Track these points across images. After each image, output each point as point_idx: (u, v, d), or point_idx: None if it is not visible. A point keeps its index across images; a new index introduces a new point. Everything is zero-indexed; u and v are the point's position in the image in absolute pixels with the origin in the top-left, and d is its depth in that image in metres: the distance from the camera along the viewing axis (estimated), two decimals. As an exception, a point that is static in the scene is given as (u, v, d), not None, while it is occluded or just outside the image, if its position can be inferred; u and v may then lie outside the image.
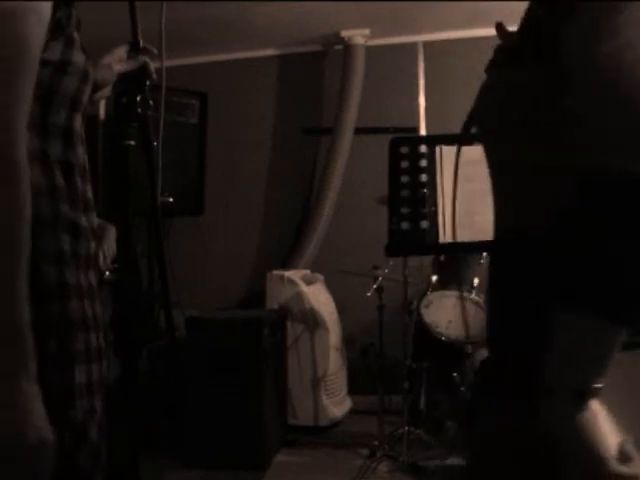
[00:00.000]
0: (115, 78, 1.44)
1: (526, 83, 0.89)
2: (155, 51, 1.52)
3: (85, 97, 1.19)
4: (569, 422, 0.84)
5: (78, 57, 1.15)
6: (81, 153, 1.20)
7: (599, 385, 0.82)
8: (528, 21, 0.97)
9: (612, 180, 0.79)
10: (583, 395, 0.83)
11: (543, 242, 0.85)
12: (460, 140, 2.74)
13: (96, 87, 1.43)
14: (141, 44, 1.48)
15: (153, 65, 1.49)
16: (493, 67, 0.96)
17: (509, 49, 0.98)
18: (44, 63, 1.07)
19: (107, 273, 2.97)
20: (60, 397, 1.09)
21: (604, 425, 0.83)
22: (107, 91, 1.48)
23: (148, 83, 1.48)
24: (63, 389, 1.09)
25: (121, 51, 1.47)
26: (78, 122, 1.19)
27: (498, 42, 1.11)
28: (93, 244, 1.24)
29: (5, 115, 0.94)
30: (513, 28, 1.10)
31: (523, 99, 0.89)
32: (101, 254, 2.94)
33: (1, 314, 0.90)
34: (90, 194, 1.24)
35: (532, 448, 0.86)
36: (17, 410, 0.89)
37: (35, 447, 0.90)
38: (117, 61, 1.45)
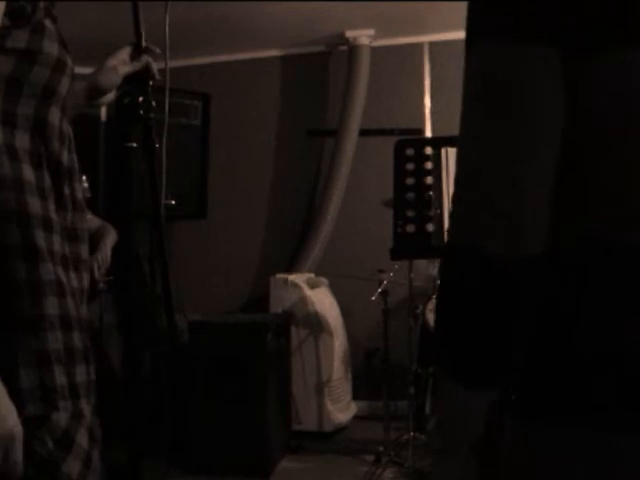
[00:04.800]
0: (121, 81, 1.42)
1: None
2: (158, 50, 1.49)
3: (62, 89, 1.16)
4: None
5: (50, 47, 1.12)
6: (58, 148, 1.16)
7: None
8: None
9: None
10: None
11: None
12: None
13: (101, 91, 1.40)
14: (144, 44, 1.45)
15: (155, 65, 1.46)
16: None
17: None
18: (6, 51, 1.04)
19: (101, 284, 2.94)
20: (38, 399, 1.05)
21: None
22: (112, 95, 1.46)
23: (151, 84, 1.45)
24: (41, 390, 1.05)
25: (125, 53, 1.45)
26: (54, 115, 1.15)
27: None
28: (82, 245, 1.20)
29: None
30: None
31: None
32: (95, 265, 2.91)
33: None
34: (79, 195, 1.20)
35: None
36: None
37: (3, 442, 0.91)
38: (122, 63, 1.42)
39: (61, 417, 1.08)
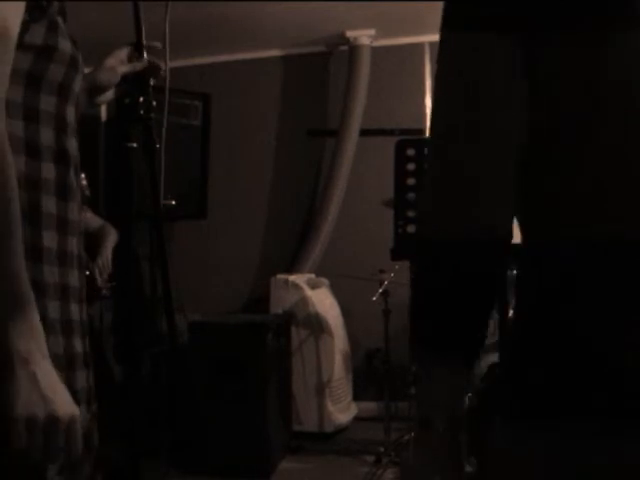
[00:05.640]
0: (119, 80, 1.41)
1: None
2: (159, 45, 1.48)
3: (75, 87, 1.15)
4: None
5: (64, 44, 1.11)
6: (74, 145, 1.15)
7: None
8: None
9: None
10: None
11: None
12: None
13: (99, 90, 1.40)
14: (144, 44, 1.45)
15: (158, 63, 1.46)
16: None
17: None
18: (25, 47, 1.03)
19: (104, 291, 2.93)
20: None
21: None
22: (110, 94, 1.45)
23: (152, 83, 1.45)
24: None
25: (123, 53, 1.44)
26: (70, 113, 1.15)
27: None
28: (81, 241, 1.20)
29: None
30: None
31: None
32: (97, 270, 2.89)
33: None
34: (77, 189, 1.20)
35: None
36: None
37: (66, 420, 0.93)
38: (120, 63, 1.42)
39: None
